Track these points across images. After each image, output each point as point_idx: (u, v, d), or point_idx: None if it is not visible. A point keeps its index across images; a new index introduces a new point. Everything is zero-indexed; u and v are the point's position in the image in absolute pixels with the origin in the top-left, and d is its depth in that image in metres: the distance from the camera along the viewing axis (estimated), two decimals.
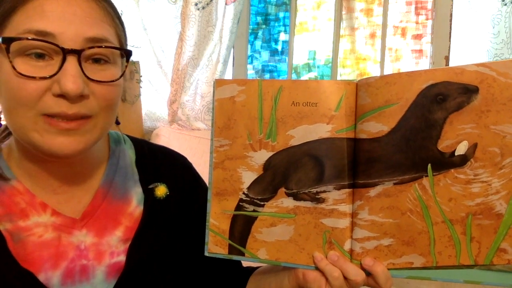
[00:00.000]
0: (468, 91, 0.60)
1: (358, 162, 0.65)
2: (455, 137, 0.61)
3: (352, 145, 0.65)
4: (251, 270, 0.87)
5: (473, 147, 0.60)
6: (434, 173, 0.62)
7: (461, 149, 0.61)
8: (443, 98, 0.60)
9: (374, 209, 0.65)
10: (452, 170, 0.61)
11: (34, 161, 0.72)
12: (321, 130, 0.66)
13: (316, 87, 0.66)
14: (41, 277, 0.68)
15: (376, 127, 0.63)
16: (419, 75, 0.61)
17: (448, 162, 0.61)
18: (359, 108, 0.65)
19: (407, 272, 0.65)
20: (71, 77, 0.62)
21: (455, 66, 0.60)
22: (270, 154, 0.68)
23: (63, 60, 0.63)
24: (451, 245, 0.62)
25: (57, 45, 0.62)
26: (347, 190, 0.66)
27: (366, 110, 0.64)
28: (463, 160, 0.61)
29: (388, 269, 0.65)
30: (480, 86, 0.59)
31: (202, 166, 0.95)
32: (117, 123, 0.79)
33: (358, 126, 0.65)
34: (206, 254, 0.73)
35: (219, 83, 0.71)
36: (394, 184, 0.63)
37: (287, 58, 2.34)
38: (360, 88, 0.65)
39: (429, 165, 0.62)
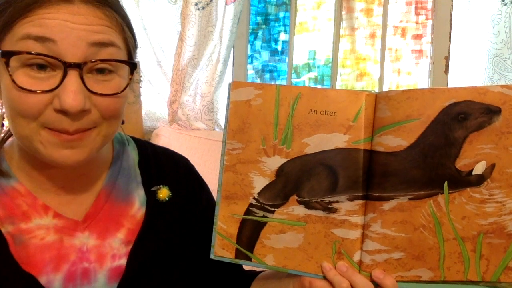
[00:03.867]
0: (490, 112, 0.60)
1: (373, 175, 0.65)
2: (474, 157, 0.61)
3: (368, 156, 0.65)
4: (253, 274, 0.87)
5: (491, 168, 0.61)
6: (450, 191, 0.62)
7: (479, 168, 0.61)
8: (464, 117, 0.61)
9: (387, 223, 0.65)
10: (468, 189, 0.62)
11: (36, 164, 0.71)
12: (338, 140, 0.66)
13: (335, 96, 0.66)
14: (43, 280, 0.67)
15: (395, 141, 0.63)
16: (442, 93, 0.62)
17: (464, 180, 0.62)
18: (377, 121, 0.64)
19: (414, 285, 0.66)
20: (71, 93, 0.61)
21: (479, 86, 0.60)
22: (284, 160, 0.68)
23: (64, 74, 0.61)
24: (460, 261, 0.63)
25: (57, 59, 0.61)
26: (360, 201, 0.65)
27: (386, 123, 0.64)
28: (480, 179, 0.61)
29: (396, 281, 0.65)
30: (503, 107, 0.60)
31: (202, 166, 0.95)
32: (122, 122, 0.78)
33: (375, 139, 0.65)
34: (212, 257, 0.72)
35: (235, 85, 0.70)
36: (409, 199, 0.64)
37: (287, 58, 2.33)
38: (380, 100, 0.64)
39: (445, 183, 0.62)
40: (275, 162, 0.68)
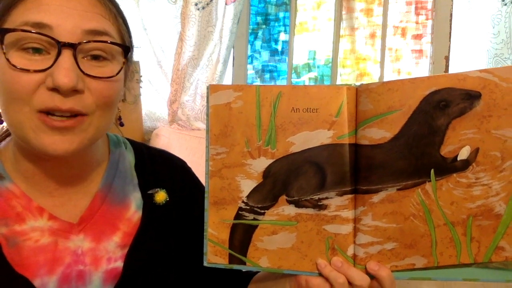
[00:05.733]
0: (471, 97, 0.60)
1: (360, 168, 0.65)
2: (458, 143, 0.62)
3: (353, 151, 0.65)
4: (250, 275, 0.87)
5: (475, 152, 0.62)
6: (436, 178, 0.63)
7: (464, 154, 0.62)
8: (446, 104, 0.61)
9: (378, 215, 0.65)
10: (454, 175, 0.63)
11: (31, 162, 0.71)
12: (322, 136, 0.65)
13: (316, 93, 0.65)
14: (37, 283, 0.67)
15: (378, 134, 0.63)
16: (422, 82, 0.62)
17: (450, 167, 0.63)
18: (360, 114, 0.64)
19: (409, 274, 0.66)
20: (63, 70, 0.62)
21: (458, 72, 0.61)
22: (270, 161, 0.68)
23: (58, 54, 0.62)
24: (452, 245, 0.64)
25: (52, 38, 0.62)
26: (349, 196, 0.65)
27: (368, 116, 0.64)
28: (465, 164, 0.62)
29: (391, 271, 0.66)
30: (483, 91, 0.60)
31: (202, 166, 0.94)
32: (121, 125, 0.78)
33: (359, 132, 0.65)
34: (205, 264, 0.72)
35: (213, 89, 0.69)
36: (398, 189, 0.64)
37: (287, 58, 2.33)
38: (361, 93, 0.64)
39: (432, 171, 0.63)
40: (261, 163, 0.68)
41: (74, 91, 0.63)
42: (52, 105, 0.63)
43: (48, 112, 0.63)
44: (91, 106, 0.66)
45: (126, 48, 0.70)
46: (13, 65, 0.62)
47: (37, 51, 0.63)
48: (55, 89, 0.62)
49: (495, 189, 0.62)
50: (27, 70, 0.62)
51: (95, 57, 0.66)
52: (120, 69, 0.69)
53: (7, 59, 0.62)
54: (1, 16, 0.64)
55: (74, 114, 0.65)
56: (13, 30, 0.62)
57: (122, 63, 0.70)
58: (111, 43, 0.67)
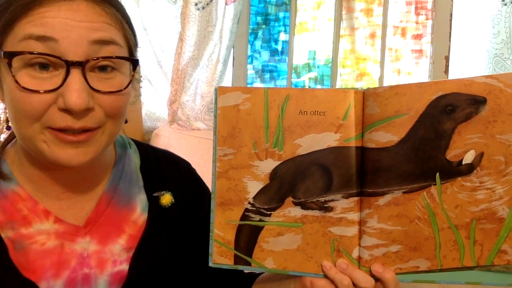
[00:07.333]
0: (477, 102, 0.61)
1: (366, 171, 0.65)
2: (463, 147, 0.63)
3: (360, 154, 0.66)
4: (254, 276, 0.87)
5: (480, 156, 0.62)
6: (442, 182, 0.64)
7: (469, 158, 0.63)
8: (452, 109, 0.62)
9: (383, 217, 0.65)
10: (459, 178, 0.63)
11: (39, 168, 0.70)
12: (329, 139, 0.66)
13: (324, 96, 0.66)
14: (43, 286, 0.67)
15: (385, 137, 0.64)
16: (429, 86, 0.62)
17: (455, 170, 0.63)
18: (366, 117, 0.65)
19: (413, 276, 0.67)
20: (75, 91, 0.61)
21: (465, 78, 0.62)
22: (277, 163, 0.68)
23: (67, 73, 0.61)
24: (456, 248, 0.65)
25: (60, 58, 0.61)
26: (355, 198, 0.66)
27: (375, 119, 0.64)
28: (470, 168, 0.63)
29: (395, 273, 0.66)
30: (488, 97, 0.61)
31: (202, 166, 0.94)
32: (125, 121, 0.78)
33: (366, 135, 0.65)
34: (211, 265, 0.72)
35: (222, 91, 0.70)
36: (403, 192, 0.65)
37: (287, 58, 2.33)
38: (368, 97, 0.65)
39: (437, 174, 0.64)
40: (268, 165, 0.69)
41: (86, 110, 0.63)
42: (64, 125, 0.62)
43: (59, 129, 0.63)
44: (102, 119, 0.66)
45: (135, 62, 0.70)
46: (23, 87, 0.61)
47: (44, 67, 0.62)
48: (66, 109, 0.62)
49: (499, 193, 0.63)
50: (37, 92, 0.61)
51: (103, 68, 0.65)
52: (129, 82, 0.68)
53: (16, 81, 0.61)
54: (4, 29, 0.63)
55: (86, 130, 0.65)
56: (21, 53, 0.61)
57: (131, 76, 0.69)
58: (120, 57, 0.66)
